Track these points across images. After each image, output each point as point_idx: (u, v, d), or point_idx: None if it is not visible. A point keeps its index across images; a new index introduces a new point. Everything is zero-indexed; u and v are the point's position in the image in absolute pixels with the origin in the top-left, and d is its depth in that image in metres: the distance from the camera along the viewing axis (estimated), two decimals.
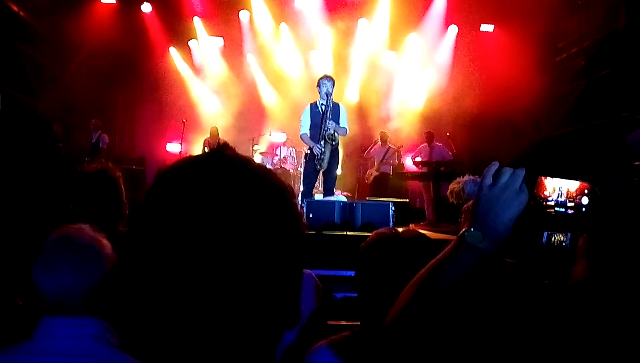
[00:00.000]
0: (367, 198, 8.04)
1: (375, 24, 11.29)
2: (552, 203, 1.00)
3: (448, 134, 9.73)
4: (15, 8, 8.53)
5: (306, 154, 6.11)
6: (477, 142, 9.87)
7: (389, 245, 1.36)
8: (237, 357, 0.57)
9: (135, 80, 11.35)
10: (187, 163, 0.61)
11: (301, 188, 6.42)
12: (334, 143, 5.78)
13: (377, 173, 9.34)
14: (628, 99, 7.19)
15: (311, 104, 6.03)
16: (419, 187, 9.23)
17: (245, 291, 0.56)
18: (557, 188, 1.00)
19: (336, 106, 5.89)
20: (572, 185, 0.99)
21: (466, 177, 4.59)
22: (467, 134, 10.57)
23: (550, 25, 9.39)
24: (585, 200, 0.97)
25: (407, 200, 7.96)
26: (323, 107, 5.80)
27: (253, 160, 0.65)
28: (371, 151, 9.76)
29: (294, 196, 0.64)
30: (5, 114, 8.04)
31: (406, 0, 10.68)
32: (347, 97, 11.57)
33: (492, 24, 10.96)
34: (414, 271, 1.29)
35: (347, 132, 6.05)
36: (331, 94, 5.78)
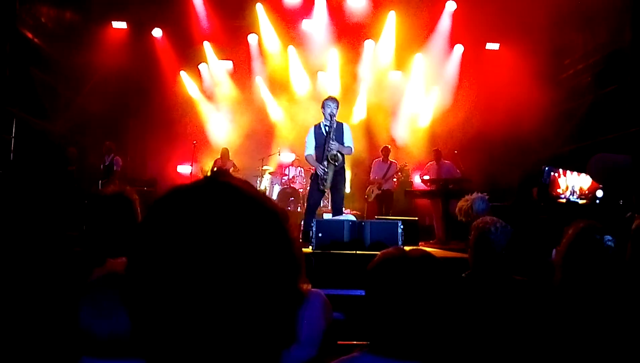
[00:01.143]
0: (375, 217, 8.05)
1: (382, 45, 11.42)
2: (564, 200, 1.05)
3: (456, 151, 9.75)
4: (29, 35, 8.74)
5: (312, 174, 6.17)
6: (485, 159, 9.89)
7: (396, 265, 1.37)
8: None
9: (146, 103, 11.52)
10: (182, 190, 0.62)
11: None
12: (336, 164, 5.81)
13: (378, 191, 9.13)
14: (635, 115, 7.19)
15: (315, 126, 6.10)
16: (428, 205, 9.21)
17: (238, 315, 0.57)
18: (570, 186, 1.05)
19: (340, 126, 5.95)
20: (585, 183, 1.04)
21: (474, 194, 4.61)
22: (475, 152, 10.59)
23: (556, 42, 9.45)
24: (600, 193, 1.02)
25: (416, 218, 7.95)
26: (326, 128, 5.86)
27: (248, 185, 0.66)
28: (373, 167, 9.48)
29: (287, 220, 0.65)
30: (20, 138, 8.20)
31: (412, 20, 10.80)
32: (355, 117, 11.67)
33: (498, 42, 11.05)
34: (421, 291, 1.31)
35: (352, 151, 6.09)
36: (335, 115, 5.84)
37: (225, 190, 0.62)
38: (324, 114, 5.93)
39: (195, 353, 0.56)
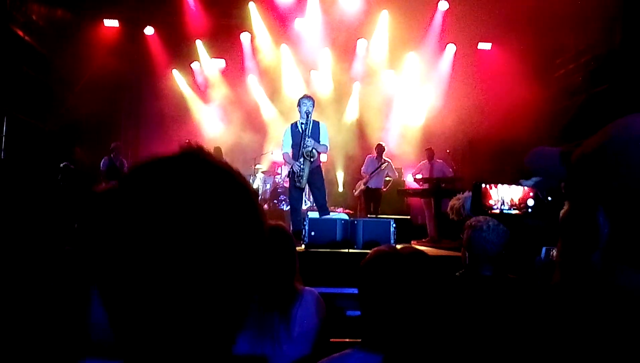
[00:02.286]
0: (367, 215, 8.07)
1: (374, 44, 11.44)
2: (497, 211, 1.09)
3: (448, 151, 9.79)
4: (20, 33, 8.68)
5: (289, 173, 6.20)
6: (477, 158, 9.95)
7: (388, 262, 1.38)
8: (190, 350, 0.58)
9: (138, 101, 11.49)
10: (156, 161, 0.62)
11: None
12: (312, 160, 5.85)
13: (363, 187, 9.02)
14: (626, 114, 7.24)
15: (292, 124, 6.15)
16: (420, 204, 9.24)
17: (205, 289, 0.57)
18: (500, 198, 1.08)
19: (316, 125, 6.00)
20: (516, 194, 1.07)
21: (466, 193, 4.62)
22: (467, 151, 10.65)
23: (547, 42, 9.50)
24: (531, 202, 1.05)
25: (409, 217, 7.98)
26: (302, 126, 5.90)
27: (223, 162, 0.66)
28: (365, 162, 9.34)
29: (256, 196, 0.66)
30: (11, 136, 8.15)
31: (404, 20, 10.82)
32: (347, 115, 11.69)
33: (490, 42, 11.10)
34: (413, 287, 1.32)
35: (328, 149, 6.13)
36: (311, 113, 5.89)
37: (199, 162, 0.62)
38: (299, 112, 5.97)
39: (162, 324, 0.56)
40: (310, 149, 5.77)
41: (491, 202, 1.10)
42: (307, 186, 6.21)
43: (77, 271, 1.38)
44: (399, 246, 1.48)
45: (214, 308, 0.58)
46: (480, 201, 1.09)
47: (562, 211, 0.89)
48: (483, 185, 1.10)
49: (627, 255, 0.76)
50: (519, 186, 1.06)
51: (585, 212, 0.80)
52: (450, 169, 9.03)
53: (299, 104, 5.99)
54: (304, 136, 5.84)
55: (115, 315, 0.58)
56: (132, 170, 0.62)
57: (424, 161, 9.15)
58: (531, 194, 1.05)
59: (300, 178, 5.86)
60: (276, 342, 2.05)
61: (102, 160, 9.57)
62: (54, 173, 8.48)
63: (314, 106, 5.95)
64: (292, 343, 2.07)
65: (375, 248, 1.46)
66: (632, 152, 0.75)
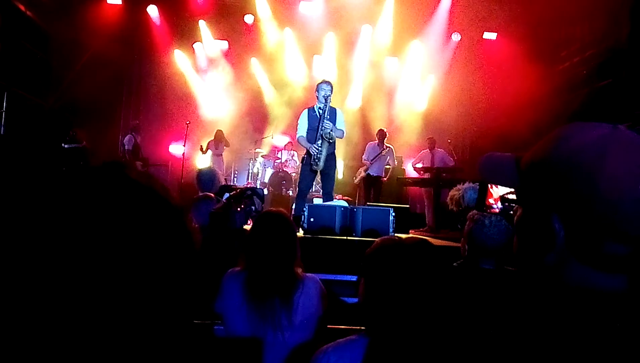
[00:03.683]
0: (367, 203, 8.07)
1: (379, 30, 11.35)
2: (497, 210, 1.11)
3: (449, 141, 9.76)
4: (22, 7, 8.60)
5: (303, 158, 6.17)
6: (478, 149, 9.92)
7: (393, 250, 1.39)
8: None
9: (139, 81, 11.42)
10: (79, 171, 0.58)
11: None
12: (330, 141, 5.84)
13: (364, 174, 8.95)
14: (630, 109, 7.22)
15: (309, 108, 6.12)
16: (419, 193, 9.23)
17: (132, 302, 0.52)
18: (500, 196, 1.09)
19: (333, 111, 5.98)
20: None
21: (466, 184, 4.61)
22: (468, 141, 10.63)
23: (553, 34, 9.43)
24: None
25: (407, 206, 7.98)
26: (320, 110, 5.88)
27: (148, 176, 0.61)
28: (366, 150, 9.21)
29: (183, 213, 0.60)
30: (11, 112, 8.11)
31: (410, 6, 10.73)
32: (350, 102, 11.63)
33: (495, 32, 11.02)
34: (418, 276, 1.33)
35: (344, 135, 6.11)
36: (329, 97, 5.86)
37: (119, 176, 0.58)
38: (317, 97, 5.95)
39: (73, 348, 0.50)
40: (328, 131, 5.75)
41: (491, 201, 1.12)
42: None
43: None
44: (403, 236, 1.49)
45: (142, 327, 0.53)
46: (484, 199, 1.11)
47: (515, 216, 0.92)
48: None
49: (580, 255, 0.79)
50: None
51: (540, 218, 0.82)
52: (452, 159, 9.01)
53: (317, 89, 5.98)
54: (322, 119, 5.82)
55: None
56: (53, 178, 0.56)
57: (425, 150, 9.10)
58: None
59: (317, 160, 5.83)
60: (277, 328, 2.05)
61: (126, 138, 9.64)
62: (55, 154, 8.46)
63: (332, 91, 5.94)
64: (293, 330, 2.07)
65: (381, 238, 1.47)
66: (575, 163, 0.77)
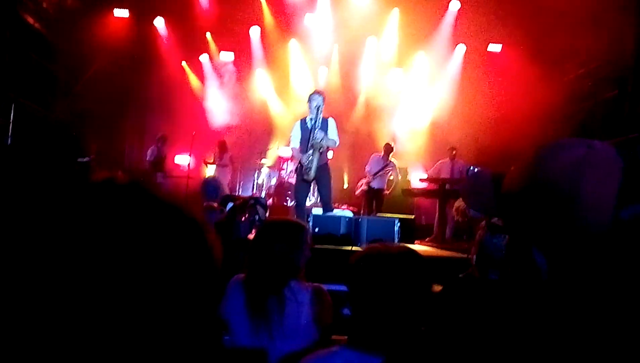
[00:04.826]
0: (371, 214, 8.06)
1: (384, 42, 11.40)
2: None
3: (454, 152, 9.74)
4: (30, 20, 8.69)
5: (296, 168, 6.18)
6: (483, 160, 9.89)
7: (377, 259, 1.37)
8: None
9: (146, 93, 11.49)
10: (101, 183, 0.56)
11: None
12: (321, 151, 5.84)
13: (365, 187, 8.87)
14: (634, 121, 7.20)
15: (301, 120, 6.14)
16: (425, 204, 9.20)
17: (145, 327, 0.51)
18: None
19: (325, 121, 5.99)
20: None
21: None
22: (473, 152, 10.60)
23: (558, 46, 9.44)
24: None
25: (413, 216, 7.96)
26: (312, 121, 5.90)
27: (165, 191, 0.59)
28: (370, 161, 9.16)
29: (207, 228, 0.59)
30: (18, 123, 8.17)
31: (415, 18, 10.78)
32: (355, 113, 11.66)
33: (500, 43, 11.04)
34: (401, 285, 1.31)
35: (337, 144, 6.11)
36: (321, 108, 5.88)
37: (142, 194, 0.56)
38: (309, 108, 5.96)
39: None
40: (319, 140, 5.76)
41: None
42: (313, 183, 6.20)
43: None
44: (396, 244, 1.47)
45: (161, 342, 0.52)
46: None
47: (504, 241, 0.90)
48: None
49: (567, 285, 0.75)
50: None
51: (521, 249, 0.79)
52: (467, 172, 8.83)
53: (309, 100, 5.99)
54: (313, 129, 5.83)
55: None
56: (77, 188, 0.55)
57: (444, 160, 9.00)
58: None
59: (308, 170, 5.84)
60: (271, 334, 2.06)
61: (149, 150, 9.75)
62: (69, 167, 8.49)
63: (324, 102, 5.95)
64: (284, 338, 2.07)
65: (367, 246, 1.45)
66: (550, 192, 0.74)
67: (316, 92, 6.03)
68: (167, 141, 10.03)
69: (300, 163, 5.96)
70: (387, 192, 9.04)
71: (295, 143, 6.04)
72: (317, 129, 5.81)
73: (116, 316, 0.49)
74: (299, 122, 6.13)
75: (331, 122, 6.05)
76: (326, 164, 6.08)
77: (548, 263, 0.76)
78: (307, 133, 5.91)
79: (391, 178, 9.17)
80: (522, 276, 0.82)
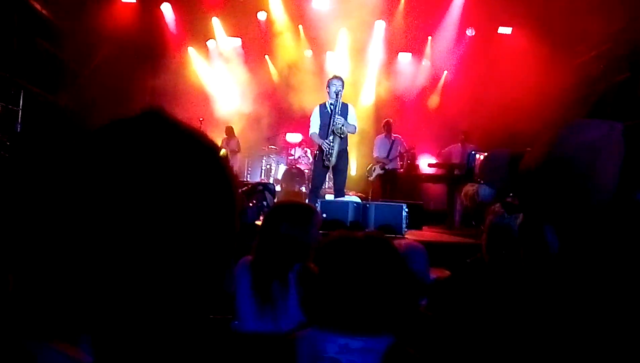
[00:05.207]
0: (381, 199, 8.03)
1: (392, 26, 11.28)
2: None
3: (463, 137, 9.67)
4: (37, 6, 8.68)
5: (315, 154, 6.17)
6: (494, 145, 9.81)
7: (342, 245, 1.37)
8: (158, 324, 0.54)
9: (153, 79, 11.46)
10: (118, 123, 0.60)
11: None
12: (342, 136, 5.83)
13: (381, 171, 8.80)
14: None
15: (320, 105, 6.12)
16: (433, 189, 9.15)
17: (175, 257, 0.54)
18: None
19: (345, 106, 5.97)
20: None
21: None
22: (483, 137, 10.50)
23: (569, 28, 9.29)
24: None
25: (421, 202, 7.93)
26: (332, 106, 5.87)
27: (184, 123, 0.63)
28: (375, 144, 9.09)
29: (226, 159, 0.63)
30: (27, 110, 8.20)
31: (423, 2, 10.65)
32: (364, 98, 11.59)
33: (510, 26, 10.89)
34: (365, 272, 1.31)
35: (356, 130, 6.10)
36: (341, 93, 5.85)
37: (163, 123, 0.60)
38: (328, 93, 5.95)
39: (128, 298, 0.52)
40: (340, 126, 5.75)
41: None
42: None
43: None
44: (364, 231, 1.47)
45: (183, 276, 0.55)
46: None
47: (518, 221, 0.90)
48: (477, 156, 1.10)
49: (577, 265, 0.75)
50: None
51: (534, 228, 0.79)
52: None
53: (328, 85, 5.98)
54: (333, 115, 5.81)
55: (67, 290, 0.54)
56: (95, 132, 0.58)
57: (456, 145, 8.93)
58: None
59: (329, 155, 5.84)
60: (275, 314, 2.06)
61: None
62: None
63: (343, 87, 5.93)
64: (288, 318, 2.07)
65: (338, 231, 1.45)
66: (568, 169, 0.73)
67: (335, 77, 6.01)
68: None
69: (320, 148, 5.95)
70: (401, 170, 8.96)
71: (315, 128, 6.03)
72: (337, 115, 5.79)
73: (154, 237, 0.53)
74: (318, 108, 6.11)
75: (351, 108, 6.05)
76: (345, 150, 6.09)
77: (560, 240, 0.76)
78: (327, 118, 5.90)
79: (400, 162, 9.13)
80: (533, 254, 0.82)
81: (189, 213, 0.55)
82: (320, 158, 5.99)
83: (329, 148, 5.83)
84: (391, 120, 9.03)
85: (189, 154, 0.58)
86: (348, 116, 5.95)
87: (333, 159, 5.85)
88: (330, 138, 5.82)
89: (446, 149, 8.95)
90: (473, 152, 5.15)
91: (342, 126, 5.77)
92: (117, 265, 0.52)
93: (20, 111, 8.13)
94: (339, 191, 6.13)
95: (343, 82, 5.96)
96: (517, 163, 0.86)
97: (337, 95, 5.84)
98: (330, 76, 6.11)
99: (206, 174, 0.58)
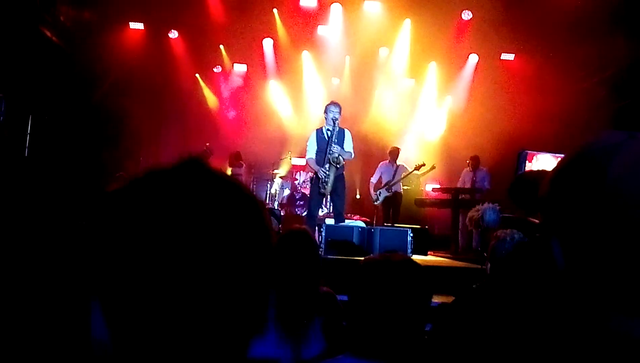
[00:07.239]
0: (384, 224, 8.01)
1: (396, 52, 11.41)
2: None
3: (468, 162, 9.69)
4: (48, 34, 8.85)
5: (312, 178, 6.21)
6: (498, 170, 9.82)
7: (378, 269, 1.39)
8: None
9: (160, 104, 11.62)
10: (160, 172, 0.60)
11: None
12: (338, 166, 5.86)
13: (388, 194, 8.78)
14: None
15: (317, 130, 6.17)
16: (438, 214, 9.13)
17: (215, 300, 0.55)
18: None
19: (341, 131, 6.01)
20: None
21: (485, 205, 4.58)
22: (487, 162, 10.53)
23: (572, 54, 9.37)
24: None
25: (426, 227, 7.91)
26: (329, 132, 5.91)
27: (225, 173, 0.64)
28: (378, 170, 9.06)
29: (265, 208, 0.65)
30: (35, 136, 8.29)
31: (427, 28, 10.78)
32: (368, 123, 11.65)
33: (513, 52, 10.99)
34: (402, 294, 1.33)
35: (352, 156, 6.13)
36: (338, 120, 5.90)
37: (207, 174, 0.61)
38: (326, 118, 6.00)
39: (171, 337, 0.54)
40: (336, 155, 5.79)
41: None
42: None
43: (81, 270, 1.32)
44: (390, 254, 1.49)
45: (225, 317, 0.57)
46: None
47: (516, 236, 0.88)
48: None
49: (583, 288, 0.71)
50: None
51: (542, 243, 0.77)
52: (486, 183, 8.72)
53: (325, 111, 6.03)
54: (330, 142, 5.85)
55: (119, 329, 0.56)
56: (136, 180, 0.60)
57: (467, 169, 8.96)
58: None
59: (325, 184, 5.86)
60: (297, 345, 2.05)
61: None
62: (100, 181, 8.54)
63: (340, 113, 5.98)
64: (308, 345, 2.06)
65: (367, 257, 1.48)
66: (581, 169, 0.71)
67: (332, 103, 6.07)
68: (210, 154, 9.58)
69: (316, 175, 5.98)
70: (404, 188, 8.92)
71: (312, 153, 6.07)
72: (334, 143, 5.83)
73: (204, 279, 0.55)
74: (315, 133, 6.15)
75: (347, 134, 6.09)
76: (342, 175, 6.10)
77: (566, 252, 0.72)
78: (323, 144, 5.94)
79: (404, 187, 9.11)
80: (539, 271, 0.80)
81: (237, 260, 0.57)
82: (316, 183, 6.02)
83: (324, 177, 5.86)
84: (399, 148, 9.04)
85: (236, 206, 0.59)
86: (345, 142, 5.98)
87: (328, 188, 5.87)
88: (327, 166, 5.86)
89: (462, 174, 8.96)
90: (524, 152, 4.83)
91: (339, 156, 5.81)
92: (164, 310, 0.54)
93: (28, 136, 8.23)
94: (338, 215, 6.12)
95: (340, 108, 6.02)
96: (540, 180, 0.83)
97: (334, 122, 5.89)
98: (336, 102, 6.16)
99: (252, 225, 0.60)
